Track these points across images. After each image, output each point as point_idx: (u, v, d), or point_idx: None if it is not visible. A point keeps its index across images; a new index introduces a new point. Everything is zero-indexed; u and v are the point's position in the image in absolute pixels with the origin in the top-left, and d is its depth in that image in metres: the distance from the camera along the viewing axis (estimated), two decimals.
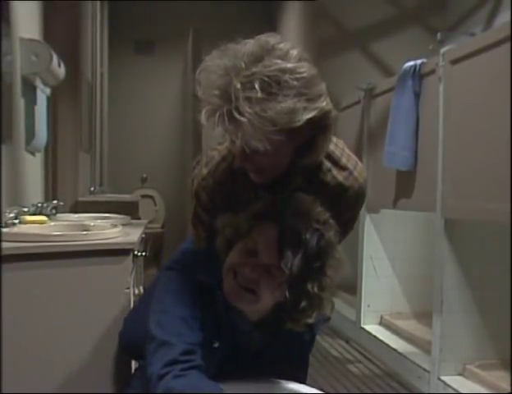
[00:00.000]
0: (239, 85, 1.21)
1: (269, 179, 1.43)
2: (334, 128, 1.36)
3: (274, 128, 1.22)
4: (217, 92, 1.23)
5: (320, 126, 1.31)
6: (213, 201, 1.52)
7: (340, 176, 1.50)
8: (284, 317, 1.35)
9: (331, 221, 1.37)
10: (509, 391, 2.40)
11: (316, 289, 1.32)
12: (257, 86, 1.20)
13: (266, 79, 1.21)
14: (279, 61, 1.23)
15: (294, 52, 1.27)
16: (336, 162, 1.51)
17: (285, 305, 1.32)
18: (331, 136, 1.38)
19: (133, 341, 1.64)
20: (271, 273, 1.30)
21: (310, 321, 1.37)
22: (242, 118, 1.20)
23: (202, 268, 1.44)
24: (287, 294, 1.30)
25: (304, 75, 1.25)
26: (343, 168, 1.51)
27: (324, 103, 1.28)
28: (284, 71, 1.23)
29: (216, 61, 1.27)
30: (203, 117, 1.27)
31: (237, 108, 1.21)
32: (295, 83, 1.23)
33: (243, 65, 1.22)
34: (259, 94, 1.20)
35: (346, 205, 1.54)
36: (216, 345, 1.38)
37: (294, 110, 1.22)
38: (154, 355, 1.31)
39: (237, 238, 1.37)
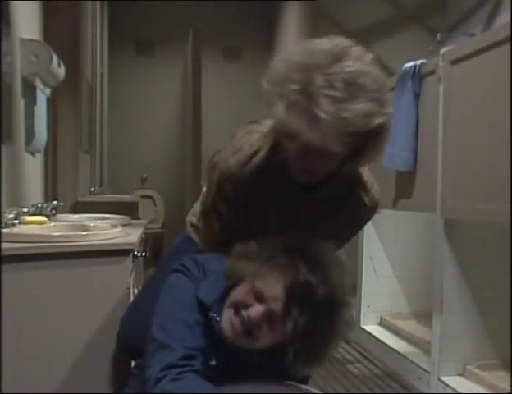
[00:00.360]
0: (321, 83, 1.21)
1: (314, 180, 1.43)
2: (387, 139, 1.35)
3: (350, 129, 1.22)
4: (296, 87, 1.23)
5: (375, 133, 1.30)
6: (236, 194, 1.50)
7: (361, 192, 1.53)
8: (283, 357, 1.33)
9: (347, 279, 1.35)
10: (509, 391, 2.40)
11: (319, 348, 1.33)
12: (338, 85, 1.20)
13: (346, 79, 1.21)
14: (358, 62, 1.24)
15: (368, 56, 1.29)
16: (358, 178, 1.54)
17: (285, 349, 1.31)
18: (383, 146, 1.36)
19: (131, 341, 1.63)
20: (273, 322, 1.29)
21: (307, 373, 1.38)
22: (323, 115, 1.19)
23: (203, 282, 1.41)
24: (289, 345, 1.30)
25: (379, 79, 1.27)
26: (363, 185, 1.54)
27: (391, 110, 1.30)
28: (362, 73, 1.23)
29: (292, 57, 1.27)
30: (279, 111, 1.25)
31: (318, 106, 1.20)
32: (372, 86, 1.24)
33: (324, 63, 1.22)
34: (340, 94, 1.20)
35: (358, 219, 1.60)
36: (213, 363, 1.36)
37: (370, 113, 1.23)
38: (153, 357, 1.30)
39: (248, 269, 1.35)
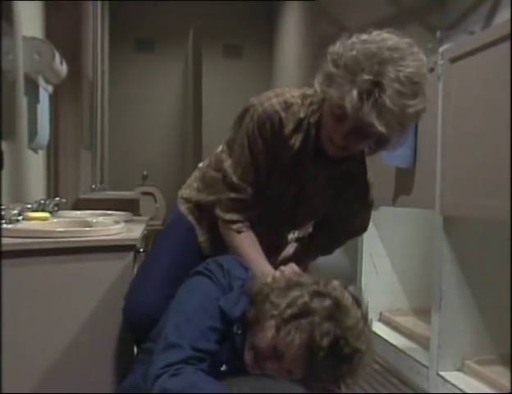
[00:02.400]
0: (393, 76, 1.30)
1: (344, 155, 1.52)
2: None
3: (408, 123, 1.37)
4: (369, 77, 1.30)
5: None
6: (273, 136, 1.52)
7: (364, 183, 1.69)
8: None
9: (368, 334, 1.38)
10: (506, 385, 2.42)
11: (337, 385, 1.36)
12: (404, 82, 1.31)
13: (410, 77, 1.31)
14: (417, 63, 1.35)
15: (424, 58, 1.39)
16: (364, 172, 1.68)
17: None
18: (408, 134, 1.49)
19: (136, 316, 1.67)
20: (291, 373, 1.31)
21: None
22: (393, 107, 1.30)
23: (228, 295, 1.42)
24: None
25: (428, 79, 1.39)
26: (367, 179, 1.70)
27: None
28: (420, 74, 1.35)
29: (365, 47, 1.34)
30: (352, 97, 1.31)
31: (390, 98, 1.30)
32: (424, 87, 1.37)
33: (394, 58, 1.31)
34: (406, 90, 1.31)
35: (357, 209, 1.72)
36: (223, 368, 1.37)
37: (422, 110, 1.37)
38: (160, 355, 1.31)
39: (271, 320, 1.32)
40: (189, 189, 1.85)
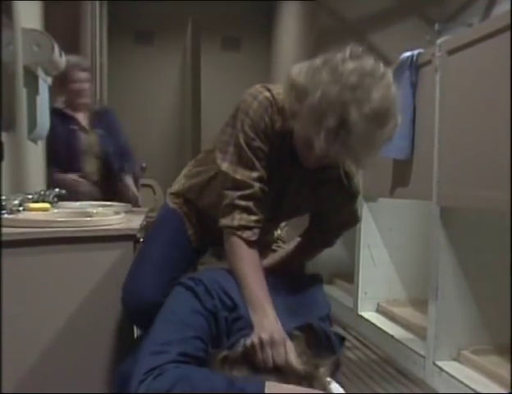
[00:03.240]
0: (357, 118, 1.27)
1: (315, 166, 1.51)
2: None
3: (380, 147, 1.36)
4: (334, 123, 1.27)
5: None
6: (272, 128, 1.50)
7: (343, 175, 1.63)
8: None
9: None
10: (502, 375, 2.44)
11: None
12: (371, 117, 1.28)
13: (376, 110, 1.29)
14: (383, 89, 1.31)
15: (390, 75, 1.36)
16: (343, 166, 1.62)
17: None
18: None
19: (134, 307, 1.69)
20: None
21: None
22: (361, 147, 1.30)
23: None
24: None
25: (396, 97, 1.35)
26: (346, 171, 1.63)
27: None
28: (392, 103, 1.33)
29: (326, 89, 1.29)
30: (321, 140, 1.29)
31: (357, 138, 1.28)
32: (394, 109, 1.33)
33: (357, 97, 1.27)
34: (374, 125, 1.29)
35: (340, 203, 1.69)
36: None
37: (394, 131, 1.35)
38: (144, 358, 1.31)
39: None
40: (178, 185, 1.90)
